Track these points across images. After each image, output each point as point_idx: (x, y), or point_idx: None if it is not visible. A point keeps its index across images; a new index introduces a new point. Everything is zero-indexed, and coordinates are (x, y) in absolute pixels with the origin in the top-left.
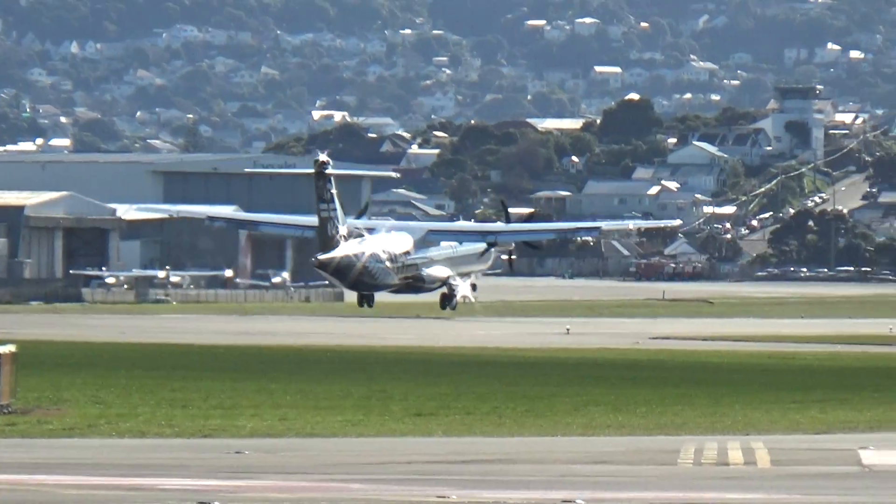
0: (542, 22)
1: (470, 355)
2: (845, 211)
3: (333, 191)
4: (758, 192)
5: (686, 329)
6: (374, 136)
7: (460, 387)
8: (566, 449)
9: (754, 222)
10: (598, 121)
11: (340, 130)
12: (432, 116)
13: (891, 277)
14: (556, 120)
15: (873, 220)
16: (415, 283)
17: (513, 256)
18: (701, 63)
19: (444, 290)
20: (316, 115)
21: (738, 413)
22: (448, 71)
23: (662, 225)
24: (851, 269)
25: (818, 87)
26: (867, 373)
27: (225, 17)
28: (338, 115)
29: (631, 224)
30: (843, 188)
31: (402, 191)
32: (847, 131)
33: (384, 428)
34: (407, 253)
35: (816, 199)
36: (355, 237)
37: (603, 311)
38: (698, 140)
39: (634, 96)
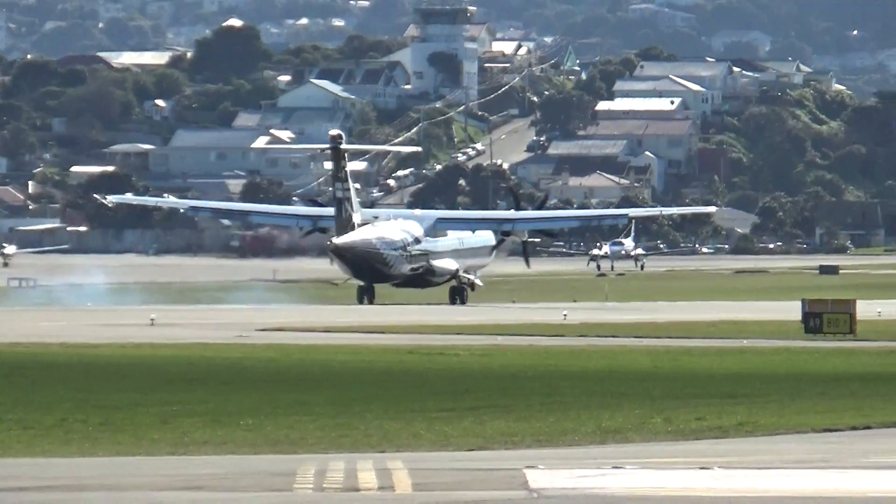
0: None
1: (28, 354)
2: (506, 165)
3: (347, 168)
4: (394, 143)
5: (304, 318)
6: None
7: (16, 394)
8: (152, 472)
9: (391, 181)
10: (190, 54)
11: None
12: None
13: (564, 250)
14: (136, 54)
15: (542, 177)
16: (424, 274)
17: (527, 247)
18: None
19: (454, 283)
20: None
21: (371, 424)
22: None
23: (697, 212)
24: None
25: (470, 8)
26: (535, 372)
27: None
28: None
29: (662, 212)
30: (502, 136)
31: None
32: (507, 65)
33: None
34: (417, 241)
35: (469, 150)
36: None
37: (198, 296)
38: (317, 78)
39: (235, 22)
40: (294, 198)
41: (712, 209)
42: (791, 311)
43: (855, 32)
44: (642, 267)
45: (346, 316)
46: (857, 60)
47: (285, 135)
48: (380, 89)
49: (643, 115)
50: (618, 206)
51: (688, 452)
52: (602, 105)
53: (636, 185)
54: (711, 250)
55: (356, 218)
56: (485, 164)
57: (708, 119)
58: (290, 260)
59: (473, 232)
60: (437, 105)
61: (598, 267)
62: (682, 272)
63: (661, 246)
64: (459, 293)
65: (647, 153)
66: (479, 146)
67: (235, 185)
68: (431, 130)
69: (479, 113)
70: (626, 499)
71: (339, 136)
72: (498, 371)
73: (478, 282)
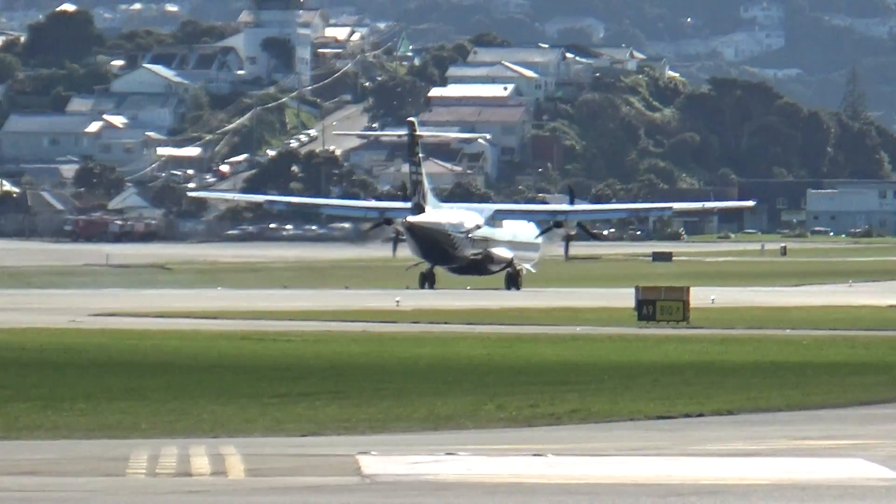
0: None
1: None
2: (339, 152)
3: (421, 154)
4: (227, 128)
5: (137, 303)
6: None
7: None
8: None
9: (224, 167)
10: (23, 38)
11: None
12: None
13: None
14: None
15: (375, 164)
16: (483, 261)
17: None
18: None
19: (510, 270)
20: None
21: (204, 410)
22: None
23: (738, 206)
24: (347, 226)
25: None
26: (369, 358)
27: None
28: None
29: (704, 205)
30: (335, 123)
31: None
32: (340, 50)
33: None
34: (478, 227)
35: (302, 136)
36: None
37: (31, 281)
38: (151, 62)
39: (69, 7)
40: (127, 183)
41: (751, 203)
42: (624, 298)
43: (689, 19)
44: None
45: (179, 301)
46: (691, 47)
47: (118, 120)
48: (213, 74)
49: (476, 102)
50: (450, 192)
51: (521, 439)
52: (435, 91)
53: (469, 171)
54: None
55: (428, 203)
56: (318, 151)
57: (541, 106)
58: (123, 244)
59: (529, 223)
60: (271, 90)
61: None
62: None
63: None
64: (514, 279)
65: (481, 140)
66: (312, 132)
67: (69, 170)
68: (264, 116)
69: (312, 99)
70: (459, 485)
71: (414, 124)
72: (331, 357)
73: (532, 269)
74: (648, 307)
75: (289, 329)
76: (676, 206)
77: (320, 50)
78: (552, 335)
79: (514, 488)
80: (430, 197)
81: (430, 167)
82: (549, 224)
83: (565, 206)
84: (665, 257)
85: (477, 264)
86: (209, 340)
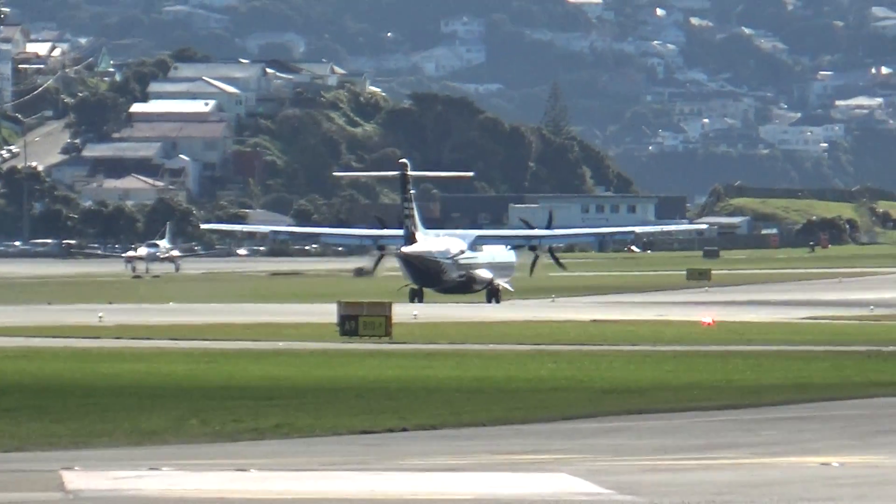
0: None
1: None
2: (41, 168)
3: (412, 191)
4: None
5: None
6: None
7: None
8: None
9: None
10: None
11: None
12: None
13: (100, 252)
14: None
15: (77, 180)
16: (467, 282)
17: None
18: None
19: (490, 287)
20: None
21: None
22: None
23: (692, 227)
24: (50, 241)
25: (3, 9)
26: (72, 374)
27: None
28: None
29: (662, 228)
30: (37, 139)
31: None
32: (41, 66)
33: None
34: (462, 253)
35: (4, 152)
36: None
37: None
38: None
39: None
40: None
41: (699, 226)
42: (327, 313)
43: (389, 34)
44: (177, 269)
45: None
46: (392, 62)
47: None
48: None
49: (178, 118)
50: (153, 208)
51: (225, 454)
52: (136, 107)
53: (171, 187)
54: (248, 252)
55: (419, 232)
56: (19, 167)
57: (242, 121)
58: None
59: (508, 248)
60: None
61: (134, 269)
62: (219, 274)
63: (197, 248)
64: (495, 294)
65: (182, 156)
66: (13, 148)
67: None
68: None
69: (14, 115)
70: (162, 500)
71: (406, 164)
72: (33, 373)
73: (509, 287)
74: (351, 322)
75: None
76: (638, 229)
77: (21, 65)
78: (255, 351)
79: (217, 503)
80: (419, 226)
81: (132, 182)
82: (525, 248)
83: (539, 231)
84: (365, 273)
85: (462, 285)
86: None
